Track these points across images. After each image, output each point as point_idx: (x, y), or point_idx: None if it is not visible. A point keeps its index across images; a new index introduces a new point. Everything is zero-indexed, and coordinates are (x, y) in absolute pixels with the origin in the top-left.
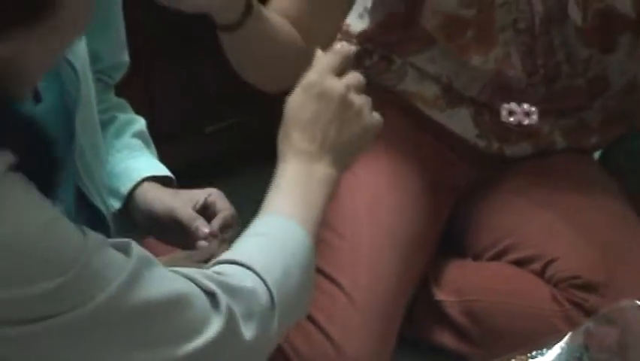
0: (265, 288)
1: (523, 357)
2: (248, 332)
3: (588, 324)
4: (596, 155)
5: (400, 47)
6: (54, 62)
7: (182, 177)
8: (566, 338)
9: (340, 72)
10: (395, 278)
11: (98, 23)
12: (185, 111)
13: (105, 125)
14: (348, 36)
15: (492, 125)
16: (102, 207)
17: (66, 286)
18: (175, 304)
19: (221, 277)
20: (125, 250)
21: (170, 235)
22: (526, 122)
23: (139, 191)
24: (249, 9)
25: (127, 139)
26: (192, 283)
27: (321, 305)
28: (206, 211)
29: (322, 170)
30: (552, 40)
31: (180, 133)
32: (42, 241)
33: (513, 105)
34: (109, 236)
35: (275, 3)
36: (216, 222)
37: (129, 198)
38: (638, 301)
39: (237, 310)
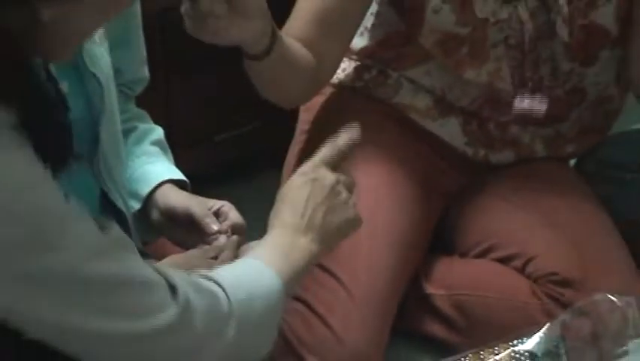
0: (226, 298)
1: (505, 346)
2: (201, 325)
3: (564, 316)
4: (572, 163)
5: (397, 62)
6: (96, 29)
7: (194, 181)
8: (544, 328)
9: (336, 165)
10: (390, 274)
11: (121, 42)
12: (197, 121)
13: (126, 133)
14: (349, 52)
15: (479, 134)
16: (124, 208)
17: (35, 234)
18: (136, 285)
19: (192, 278)
20: (103, 227)
21: (183, 234)
22: (536, 108)
23: (158, 193)
24: (274, 39)
25: (146, 146)
26: (158, 274)
27: (322, 298)
28: (217, 217)
29: (305, 243)
30: (539, 55)
31: (191, 141)
32: (19, 195)
33: (527, 97)
34: (130, 236)
35: (289, 28)
36: (226, 223)
37: (147, 200)
38: (609, 296)
39: (198, 304)
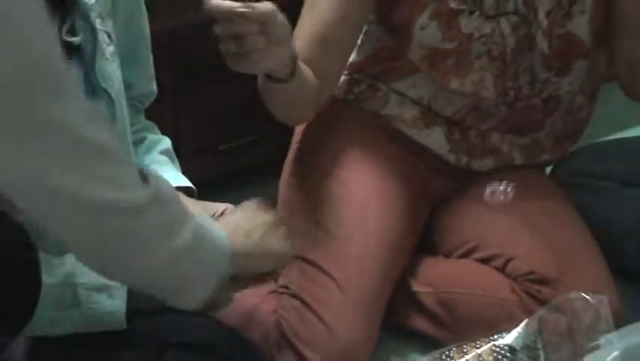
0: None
1: (486, 340)
2: (167, 214)
3: (542, 312)
4: (547, 171)
5: (386, 75)
6: None
7: (199, 187)
8: (523, 323)
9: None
10: (380, 274)
11: (131, 60)
12: (202, 132)
13: (137, 144)
14: None
15: (461, 142)
16: None
17: (46, 79)
18: (121, 157)
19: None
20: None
21: None
22: (502, 198)
23: None
24: (296, 62)
25: (155, 156)
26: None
27: (317, 295)
28: None
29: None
30: (519, 66)
31: (197, 150)
32: (35, 36)
33: (495, 185)
34: None
35: None
36: None
37: None
38: (583, 294)
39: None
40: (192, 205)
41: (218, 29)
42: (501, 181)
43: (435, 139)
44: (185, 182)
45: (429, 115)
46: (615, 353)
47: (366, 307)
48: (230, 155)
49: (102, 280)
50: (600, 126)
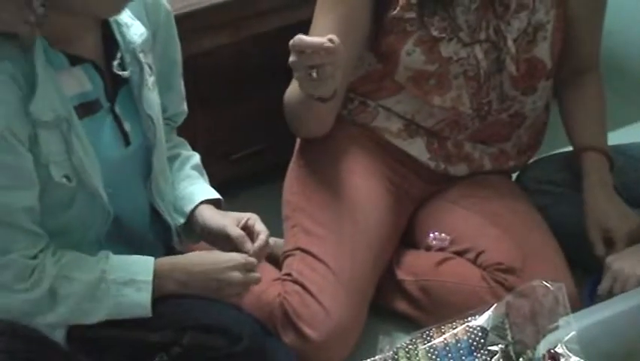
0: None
1: (462, 321)
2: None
3: (508, 298)
4: (513, 177)
5: (375, 93)
6: None
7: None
8: (492, 307)
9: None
10: (369, 262)
11: (165, 86)
12: (216, 144)
13: (171, 160)
14: None
15: (439, 151)
16: (170, 221)
17: None
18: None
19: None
20: None
21: (219, 243)
22: (441, 245)
23: (197, 211)
24: None
25: (187, 171)
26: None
27: (315, 281)
28: (246, 230)
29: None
30: (490, 85)
31: (212, 160)
32: None
33: (437, 234)
34: (171, 241)
35: None
36: (257, 243)
37: (190, 215)
38: (544, 282)
39: None
40: (220, 217)
41: (298, 60)
42: (440, 232)
43: (417, 148)
44: (214, 194)
45: (411, 127)
46: (572, 333)
47: (357, 292)
48: (240, 163)
49: (130, 275)
50: (559, 139)
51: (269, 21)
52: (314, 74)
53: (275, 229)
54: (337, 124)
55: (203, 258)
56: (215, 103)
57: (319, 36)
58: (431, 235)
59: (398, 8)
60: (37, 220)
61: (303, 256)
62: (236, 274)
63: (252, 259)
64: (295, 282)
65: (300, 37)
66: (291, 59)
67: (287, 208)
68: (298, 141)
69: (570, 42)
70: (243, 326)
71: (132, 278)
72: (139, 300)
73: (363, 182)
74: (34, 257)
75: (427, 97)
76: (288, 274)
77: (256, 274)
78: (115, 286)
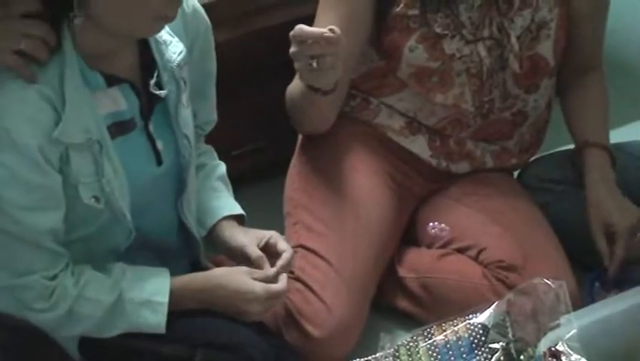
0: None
1: (462, 319)
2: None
3: (510, 295)
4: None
5: (377, 90)
6: None
7: None
8: (494, 305)
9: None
10: (371, 260)
11: (198, 95)
12: (219, 140)
13: (198, 169)
14: None
15: (441, 149)
16: (195, 233)
17: None
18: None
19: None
20: None
21: (238, 260)
22: (440, 234)
23: (219, 227)
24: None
25: (212, 182)
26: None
27: (317, 278)
28: (267, 248)
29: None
30: (493, 82)
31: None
32: None
33: (436, 224)
34: (199, 253)
35: None
36: (280, 262)
37: (212, 229)
38: (545, 280)
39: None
40: (240, 236)
41: (299, 50)
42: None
43: (419, 145)
44: (238, 210)
45: (414, 125)
46: (573, 331)
47: (359, 289)
48: (241, 159)
49: (145, 295)
50: (560, 137)
51: (272, 17)
52: (314, 64)
53: (276, 226)
54: (339, 121)
55: (225, 284)
56: (219, 97)
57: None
58: (430, 224)
59: (401, 5)
60: (60, 240)
61: (305, 253)
62: (257, 307)
63: (276, 289)
64: (297, 279)
65: (301, 27)
66: (292, 49)
67: (288, 205)
68: (300, 137)
69: (573, 40)
70: (255, 347)
71: (149, 299)
72: (154, 322)
73: (365, 179)
74: (54, 277)
75: (430, 94)
76: (291, 272)
77: (277, 300)
78: (131, 306)
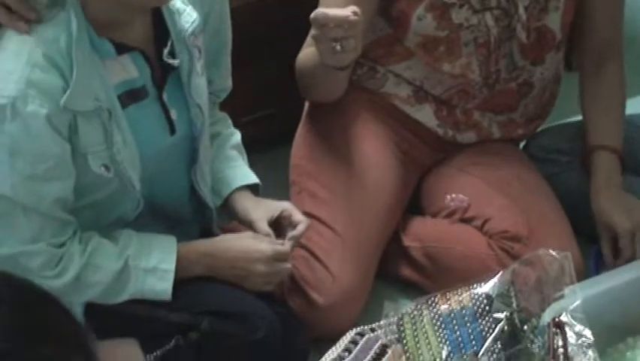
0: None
1: (466, 288)
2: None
3: (514, 265)
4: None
5: (384, 59)
6: None
7: None
8: (498, 275)
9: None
10: (376, 228)
11: (213, 63)
12: (226, 108)
13: (211, 138)
14: None
15: (448, 118)
16: (210, 204)
17: None
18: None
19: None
20: None
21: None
22: (460, 205)
23: (232, 198)
24: None
25: (227, 151)
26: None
27: (322, 246)
28: (280, 220)
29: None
30: (500, 53)
31: None
32: None
33: (454, 196)
34: (212, 222)
35: None
36: (293, 233)
37: (226, 199)
38: (550, 250)
39: None
40: (252, 209)
41: (321, 33)
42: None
43: (425, 114)
44: (253, 179)
45: (420, 94)
46: (577, 302)
47: (364, 257)
48: (249, 126)
49: (152, 263)
50: (568, 108)
51: None
52: (338, 47)
53: (284, 194)
54: (346, 90)
55: (231, 245)
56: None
57: (330, 6)
58: (448, 196)
59: None
60: (68, 208)
61: (311, 221)
62: (262, 267)
63: (283, 250)
64: (302, 247)
65: (323, 11)
66: (313, 32)
67: (294, 173)
68: (306, 105)
69: (587, 27)
70: (260, 315)
71: (155, 266)
72: (160, 289)
73: (371, 148)
74: (62, 245)
75: (437, 63)
76: None
77: (286, 265)
78: (138, 273)
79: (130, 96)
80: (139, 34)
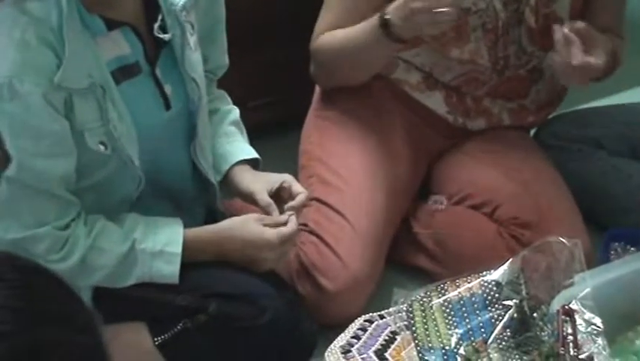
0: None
1: (476, 276)
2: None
3: (524, 253)
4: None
5: None
6: None
7: None
8: (508, 262)
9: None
10: (386, 214)
11: (208, 40)
12: (235, 91)
13: (210, 114)
14: None
15: (458, 105)
16: (212, 180)
17: None
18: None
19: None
20: None
21: (252, 204)
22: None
23: (232, 172)
24: None
25: (225, 127)
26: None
27: (332, 232)
28: (280, 192)
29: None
30: (508, 38)
31: None
32: None
33: (437, 197)
34: (215, 198)
35: (340, 22)
36: (292, 203)
37: (226, 174)
38: (560, 238)
39: None
40: (251, 182)
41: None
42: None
43: (435, 101)
44: (252, 154)
45: (430, 80)
46: (587, 290)
47: (373, 243)
48: (257, 111)
49: (159, 246)
50: (579, 94)
51: None
52: (445, 18)
53: None
54: None
55: (236, 235)
56: (237, 49)
57: None
58: (432, 198)
59: None
60: (71, 187)
61: (320, 206)
62: (270, 254)
63: (288, 232)
64: (311, 233)
65: None
66: (417, 4)
67: (304, 158)
68: (316, 91)
69: (590, 6)
70: (268, 298)
71: (162, 250)
72: (167, 272)
73: (381, 134)
74: (67, 227)
75: (445, 49)
76: (304, 225)
77: (289, 244)
78: (145, 257)
79: (123, 72)
80: (129, 10)
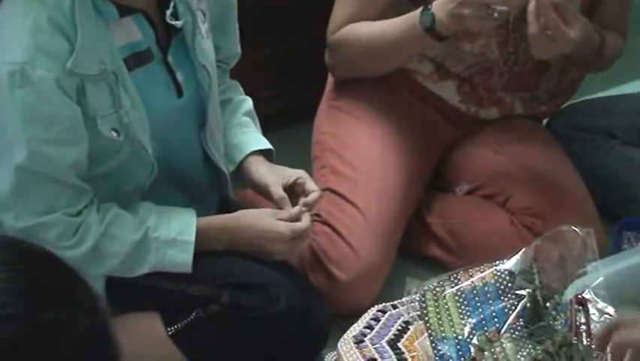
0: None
1: (489, 265)
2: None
3: (537, 242)
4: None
5: None
6: None
7: None
8: (521, 252)
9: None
10: (397, 204)
11: (221, 28)
12: (246, 82)
13: (223, 104)
14: None
15: (470, 94)
16: (225, 170)
17: None
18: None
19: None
20: None
21: (265, 196)
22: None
23: (246, 162)
24: None
25: (239, 117)
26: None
27: (344, 222)
28: (294, 187)
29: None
30: (518, 34)
31: None
32: None
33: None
34: (227, 188)
35: (356, 16)
36: (305, 199)
37: (240, 164)
38: (573, 227)
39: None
40: (266, 174)
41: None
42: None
43: (448, 91)
44: (265, 144)
45: (443, 70)
46: (600, 279)
47: (386, 233)
48: (270, 101)
49: (172, 234)
50: (592, 84)
51: None
52: (495, 15)
53: (304, 170)
54: None
55: (249, 224)
56: (250, 39)
57: None
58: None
59: None
60: (82, 175)
61: (332, 197)
62: (281, 246)
63: (301, 227)
64: (324, 223)
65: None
66: None
67: (316, 148)
68: (329, 82)
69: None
70: (281, 287)
71: (175, 238)
72: (181, 260)
73: (393, 125)
74: (79, 213)
75: (458, 42)
76: (317, 215)
77: (301, 238)
78: (158, 245)
79: (135, 59)
80: None
